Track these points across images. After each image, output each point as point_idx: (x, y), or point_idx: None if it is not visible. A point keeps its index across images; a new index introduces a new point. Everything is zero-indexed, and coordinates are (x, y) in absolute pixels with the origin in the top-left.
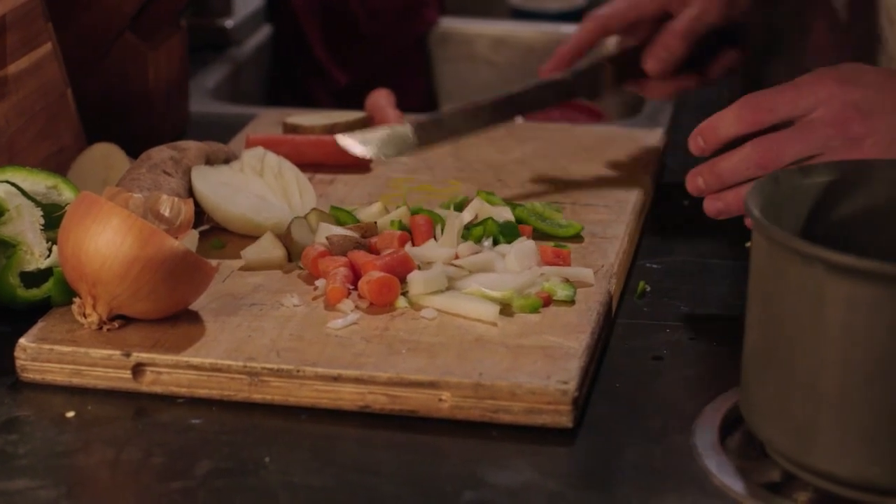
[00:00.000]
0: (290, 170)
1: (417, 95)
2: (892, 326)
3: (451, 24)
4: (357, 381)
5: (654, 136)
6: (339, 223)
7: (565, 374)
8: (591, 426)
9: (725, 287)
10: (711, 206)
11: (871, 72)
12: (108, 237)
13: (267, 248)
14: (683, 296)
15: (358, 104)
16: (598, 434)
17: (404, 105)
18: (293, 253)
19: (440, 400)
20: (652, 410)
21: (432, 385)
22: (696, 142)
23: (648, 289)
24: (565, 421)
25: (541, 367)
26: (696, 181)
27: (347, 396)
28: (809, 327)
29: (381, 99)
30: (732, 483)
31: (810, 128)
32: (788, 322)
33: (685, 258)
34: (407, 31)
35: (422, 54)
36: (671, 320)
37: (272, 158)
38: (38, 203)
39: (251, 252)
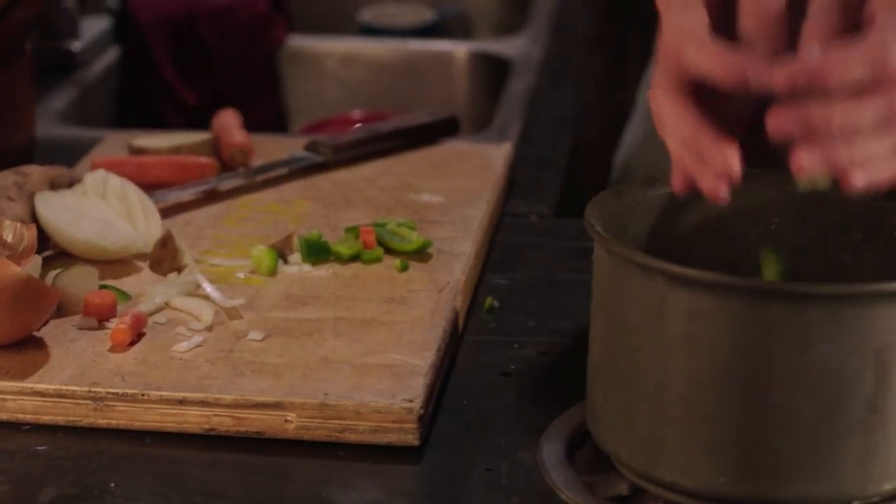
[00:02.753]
0: (134, 192)
1: (268, 114)
2: (734, 338)
3: (301, 43)
4: (202, 403)
5: (502, 151)
6: None
7: (410, 391)
8: (438, 444)
9: (573, 301)
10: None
11: None
12: None
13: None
14: (531, 311)
15: (208, 124)
16: (445, 451)
17: (254, 124)
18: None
19: (286, 421)
20: (500, 426)
21: (277, 406)
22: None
23: (496, 304)
24: (411, 439)
25: (386, 385)
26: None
27: (193, 419)
28: (652, 340)
29: (228, 119)
30: (580, 498)
31: None
32: (631, 335)
33: (533, 273)
34: (256, 50)
35: (272, 73)
36: (519, 335)
37: (115, 181)
38: None
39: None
